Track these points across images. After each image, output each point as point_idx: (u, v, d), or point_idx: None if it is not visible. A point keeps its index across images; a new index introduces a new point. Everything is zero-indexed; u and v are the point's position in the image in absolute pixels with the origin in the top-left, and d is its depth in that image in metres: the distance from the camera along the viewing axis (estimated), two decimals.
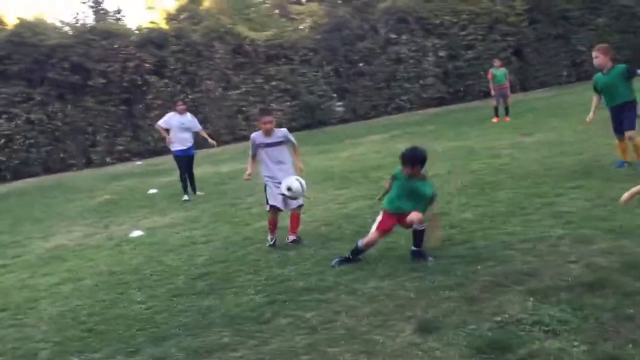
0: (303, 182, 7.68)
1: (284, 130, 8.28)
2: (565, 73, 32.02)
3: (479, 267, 5.66)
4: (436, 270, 5.77)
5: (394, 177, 6.46)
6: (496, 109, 18.55)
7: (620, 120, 9.13)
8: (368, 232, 6.58)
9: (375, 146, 16.51)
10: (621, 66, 9.14)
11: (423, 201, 6.16)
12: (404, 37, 30.50)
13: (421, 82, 30.49)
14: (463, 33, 31.06)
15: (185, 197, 12.69)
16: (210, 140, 13.73)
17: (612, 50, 9.49)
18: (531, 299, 4.75)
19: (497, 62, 19.41)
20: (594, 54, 9.34)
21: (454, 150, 13.70)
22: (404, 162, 6.22)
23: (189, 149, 13.11)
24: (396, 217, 6.31)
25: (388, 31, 30.69)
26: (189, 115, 13.36)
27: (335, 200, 10.06)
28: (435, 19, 30.85)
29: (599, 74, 9.38)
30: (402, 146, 15.06)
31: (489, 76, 19.03)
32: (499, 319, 4.49)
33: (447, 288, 5.28)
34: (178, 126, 13.00)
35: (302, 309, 5.38)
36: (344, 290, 5.66)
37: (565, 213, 7.07)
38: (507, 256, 5.86)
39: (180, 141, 13.02)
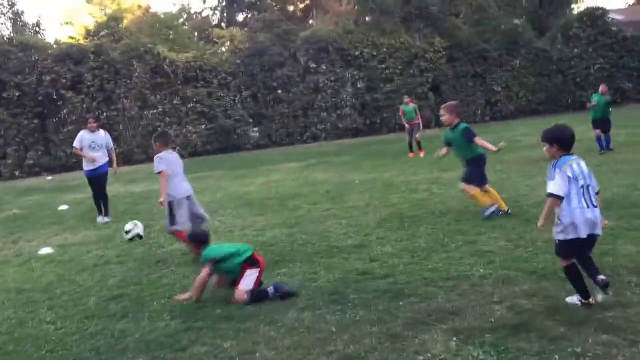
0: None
1: None
2: (479, 111, 32.78)
3: (400, 302, 5.62)
4: (357, 304, 5.73)
5: None
6: (410, 145, 18.83)
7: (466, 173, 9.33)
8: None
9: (291, 174, 16.63)
10: (461, 127, 9.17)
11: None
12: (323, 66, 30.98)
13: (338, 112, 30.95)
14: (382, 66, 31.78)
15: (100, 219, 12.19)
16: (114, 165, 13.02)
17: (458, 108, 9.68)
18: (455, 339, 4.69)
19: (406, 98, 19.63)
20: (441, 111, 9.46)
21: (371, 182, 13.83)
22: None
23: (100, 167, 12.39)
24: None
25: (308, 60, 31.11)
26: (101, 133, 12.73)
27: (252, 227, 10.05)
28: (355, 50, 31.46)
29: (447, 130, 9.48)
30: (319, 175, 15.40)
31: (400, 112, 19.37)
32: (421, 358, 4.46)
33: (368, 323, 5.20)
34: (89, 145, 12.34)
35: (221, 337, 5.32)
36: (263, 320, 5.60)
37: (486, 252, 7.05)
38: (429, 293, 5.82)
39: (90, 160, 12.33)
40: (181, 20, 43.29)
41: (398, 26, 32.66)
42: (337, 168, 16.95)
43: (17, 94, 26.40)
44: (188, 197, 8.47)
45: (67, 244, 10.28)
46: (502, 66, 33.12)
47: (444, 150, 9.58)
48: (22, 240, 11.08)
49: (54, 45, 29.41)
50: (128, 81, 28.19)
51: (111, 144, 12.91)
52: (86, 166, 12.45)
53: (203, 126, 28.98)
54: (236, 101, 29.67)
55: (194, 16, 50.12)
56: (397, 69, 31.99)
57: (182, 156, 10.01)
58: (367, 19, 33.76)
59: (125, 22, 34.91)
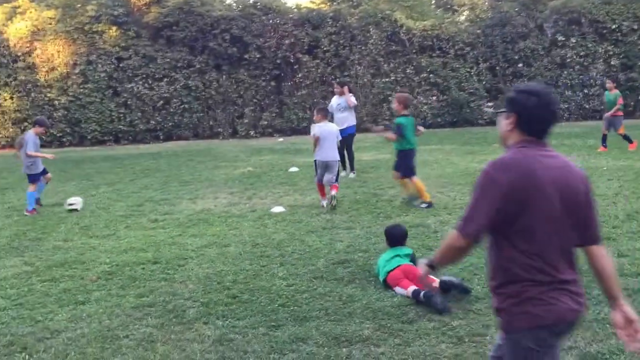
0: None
1: None
2: None
3: None
4: (601, 300, 5.22)
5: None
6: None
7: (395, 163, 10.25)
8: None
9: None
10: (398, 120, 10.07)
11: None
12: (572, 39, 28.81)
13: (585, 91, 28.74)
14: None
15: (343, 174, 12.99)
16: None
17: (408, 100, 10.59)
18: None
19: (608, 84, 16.64)
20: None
21: (621, 169, 12.58)
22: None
23: (347, 128, 13.24)
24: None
25: (555, 32, 29.19)
26: (348, 95, 13.70)
27: None
28: (612, 22, 28.53)
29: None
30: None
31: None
32: None
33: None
34: (337, 108, 13.58)
35: (449, 315, 5.26)
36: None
37: None
38: None
39: (337, 121, 13.09)
40: None
41: None
42: (580, 151, 15.68)
43: (257, 56, 27.80)
44: (327, 163, 10.39)
45: (296, 204, 10.65)
46: None
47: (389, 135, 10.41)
48: (255, 197, 11.63)
49: (295, 10, 30.47)
50: (363, 48, 28.48)
51: (353, 100, 13.82)
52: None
53: (435, 97, 28.61)
54: (472, 73, 28.73)
55: None
56: None
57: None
58: None
59: None
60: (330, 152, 10.52)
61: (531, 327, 2.91)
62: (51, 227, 9.75)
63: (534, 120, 3.05)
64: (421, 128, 10.78)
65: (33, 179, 11.20)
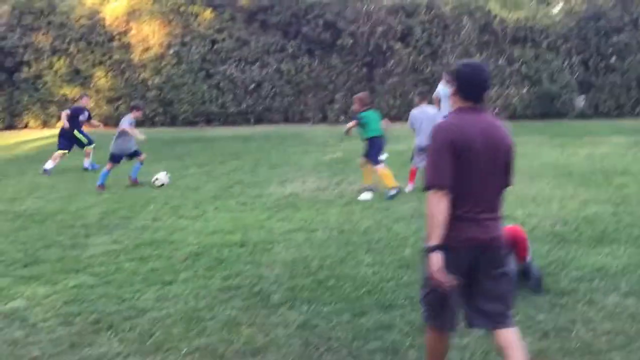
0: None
1: None
2: None
3: None
4: None
5: None
6: None
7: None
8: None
9: (619, 149, 15.27)
10: (359, 115, 10.83)
11: None
12: None
13: None
14: None
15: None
16: None
17: (365, 99, 11.08)
18: None
19: None
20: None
21: None
22: None
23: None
24: None
25: None
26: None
27: (573, 199, 9.48)
28: None
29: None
30: None
31: None
32: None
33: None
34: (443, 95, 13.72)
35: (535, 308, 5.22)
36: (581, 299, 5.38)
37: None
38: None
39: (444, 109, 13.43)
40: None
41: None
42: None
43: (350, 42, 27.79)
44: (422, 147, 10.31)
45: (384, 192, 10.59)
46: None
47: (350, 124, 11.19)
48: (344, 182, 11.71)
49: None
50: (456, 37, 28.07)
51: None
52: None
53: (526, 89, 27.95)
54: (564, 66, 27.95)
55: None
56: None
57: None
58: None
59: None
60: (424, 137, 10.30)
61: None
62: (140, 206, 10.01)
63: (464, 87, 3.79)
64: (387, 122, 11.36)
65: (114, 158, 11.95)
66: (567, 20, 28.43)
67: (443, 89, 13.99)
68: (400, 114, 28.19)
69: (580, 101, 28.04)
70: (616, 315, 5.01)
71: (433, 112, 11.02)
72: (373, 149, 10.64)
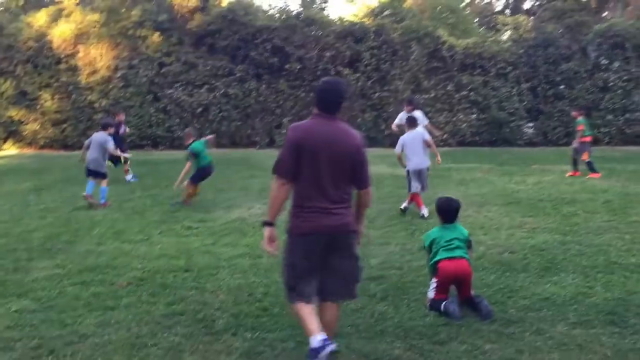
0: None
1: None
2: None
3: None
4: (639, 330, 5.21)
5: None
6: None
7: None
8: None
9: (567, 177, 15.52)
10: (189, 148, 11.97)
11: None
12: (616, 63, 28.40)
13: (627, 115, 28.19)
14: None
15: None
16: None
17: (190, 134, 12.51)
18: None
19: (574, 112, 16.89)
20: None
21: None
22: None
23: None
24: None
25: (599, 55, 28.81)
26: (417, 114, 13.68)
27: (521, 228, 9.51)
28: None
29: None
30: (598, 182, 14.26)
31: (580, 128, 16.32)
32: None
33: None
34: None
35: (481, 338, 5.14)
36: (528, 328, 5.32)
37: None
38: None
39: None
40: (463, 4, 42.74)
41: None
42: (620, 177, 15.43)
43: (298, 67, 27.88)
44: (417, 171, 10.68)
45: None
46: None
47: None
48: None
49: (337, 23, 30.49)
50: (404, 63, 28.39)
51: (424, 120, 14.17)
52: None
53: (474, 116, 28.35)
54: (513, 93, 28.47)
55: (477, 1, 49.37)
56: None
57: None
58: None
59: (407, 3, 35.19)
60: (416, 159, 10.72)
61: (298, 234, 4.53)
62: (85, 230, 9.80)
63: (319, 100, 4.56)
64: (211, 137, 13.09)
65: (104, 175, 12.32)
66: (516, 47, 29.03)
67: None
68: None
69: (529, 128, 28.57)
70: (564, 346, 4.96)
71: (421, 133, 10.96)
72: (201, 173, 12.05)
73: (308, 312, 4.54)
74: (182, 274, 7.14)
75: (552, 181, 14.86)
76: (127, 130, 18.24)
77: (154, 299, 6.28)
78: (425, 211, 10.37)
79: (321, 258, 4.51)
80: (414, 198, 10.81)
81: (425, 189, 10.87)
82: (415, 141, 10.72)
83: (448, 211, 6.19)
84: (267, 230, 4.61)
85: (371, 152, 15.24)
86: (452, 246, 5.92)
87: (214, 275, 7.11)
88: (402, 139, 10.97)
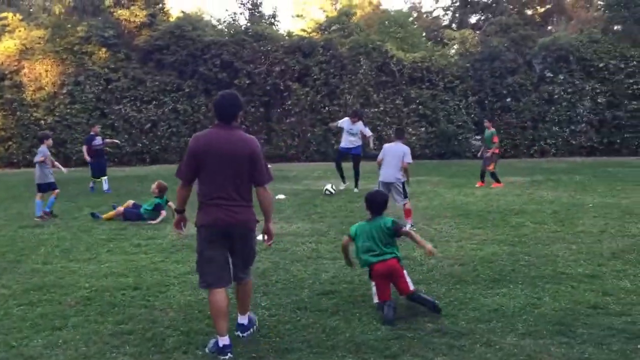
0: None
1: None
2: None
3: (639, 346, 5.11)
4: (587, 339, 5.26)
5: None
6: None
7: None
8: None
9: (515, 188, 15.78)
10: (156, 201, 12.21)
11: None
12: (560, 76, 29.17)
13: (572, 127, 28.99)
14: (629, 81, 29.06)
15: (342, 186, 16.05)
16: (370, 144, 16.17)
17: None
18: None
19: (486, 122, 17.32)
20: None
21: (607, 207, 12.59)
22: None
23: (352, 148, 15.79)
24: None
25: (544, 68, 29.53)
26: (359, 123, 15.76)
27: (470, 240, 9.59)
28: (599, 61, 29.16)
29: None
30: (546, 193, 14.53)
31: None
32: None
33: None
34: (347, 130, 15.81)
35: (432, 351, 5.13)
36: (479, 339, 5.33)
37: None
38: None
39: (345, 142, 15.89)
40: (411, 19, 43.28)
41: None
42: (566, 187, 15.79)
43: (247, 82, 27.85)
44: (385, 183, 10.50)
45: (282, 233, 10.44)
46: None
47: None
48: None
49: (286, 37, 30.59)
50: (353, 77, 28.63)
51: (367, 132, 15.96)
52: (343, 144, 16.03)
53: (423, 129, 28.71)
54: (461, 106, 28.95)
55: (425, 16, 50.02)
56: None
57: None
58: (616, 28, 31.10)
59: (355, 17, 35.47)
60: (386, 171, 10.56)
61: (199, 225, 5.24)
62: (30, 249, 9.55)
63: (216, 111, 5.25)
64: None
65: (41, 188, 12.49)
66: (463, 61, 29.50)
67: (350, 126, 15.74)
68: (298, 154, 28.42)
69: (476, 141, 29.00)
70: (513, 357, 4.97)
71: (397, 150, 10.64)
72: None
73: (217, 310, 5.21)
74: (131, 292, 7.00)
75: (501, 192, 15.10)
76: (109, 140, 19.60)
77: (102, 318, 6.14)
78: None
79: (224, 248, 5.23)
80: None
81: (395, 202, 10.46)
82: (394, 154, 10.51)
83: (373, 202, 6.57)
84: (177, 216, 5.53)
85: (321, 167, 15.56)
86: (378, 252, 6.25)
87: (164, 292, 6.99)
88: (384, 147, 10.88)
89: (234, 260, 5.34)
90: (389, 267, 6.16)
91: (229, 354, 5.06)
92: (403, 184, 10.53)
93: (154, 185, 12.42)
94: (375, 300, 6.16)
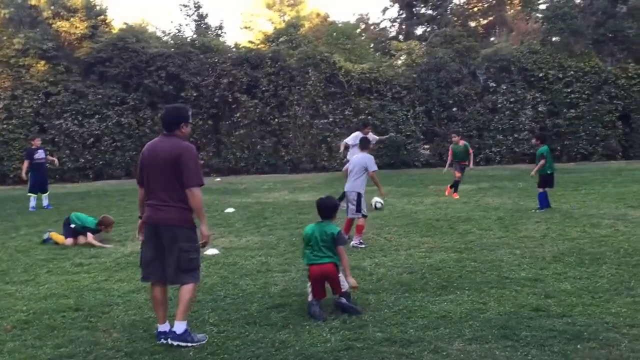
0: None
1: None
2: None
3: (578, 346, 5.21)
4: (530, 342, 5.32)
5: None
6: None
7: None
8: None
9: (462, 196, 16.00)
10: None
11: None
12: (503, 86, 29.82)
13: (515, 135, 29.60)
14: (567, 90, 29.92)
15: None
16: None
17: None
18: None
19: (455, 138, 17.37)
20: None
21: (548, 212, 12.99)
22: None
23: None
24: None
25: (487, 78, 30.12)
26: (371, 135, 14.92)
27: (419, 248, 9.65)
28: (539, 71, 29.95)
29: None
30: (491, 200, 14.72)
31: (450, 153, 17.20)
32: None
33: None
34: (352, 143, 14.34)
35: None
36: (427, 347, 5.31)
37: None
38: (611, 340, 5.33)
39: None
40: (358, 30, 43.55)
41: (589, 49, 30.71)
42: (511, 194, 16.11)
43: (194, 94, 27.59)
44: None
45: (232, 247, 10.35)
46: None
47: None
48: None
49: (234, 49, 30.44)
50: (302, 89, 28.63)
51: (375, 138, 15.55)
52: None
53: None
54: (409, 116, 29.22)
55: (372, 27, 50.40)
56: (583, 94, 29.81)
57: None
58: (554, 39, 31.94)
59: (303, 29, 35.53)
60: (348, 181, 10.61)
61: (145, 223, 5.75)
62: None
63: (162, 121, 5.83)
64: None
65: None
66: (410, 72, 29.80)
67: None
68: (248, 166, 28.26)
69: (425, 150, 29.34)
70: None
71: (360, 160, 10.59)
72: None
73: (153, 301, 5.86)
74: (72, 314, 6.74)
75: (449, 201, 15.26)
76: (50, 157, 18.37)
77: (41, 342, 5.89)
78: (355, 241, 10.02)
79: (157, 246, 5.66)
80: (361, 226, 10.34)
81: (347, 213, 10.40)
82: (355, 164, 10.54)
83: (321, 208, 6.85)
84: (139, 222, 5.92)
85: (272, 178, 15.50)
86: (320, 254, 6.53)
87: (107, 312, 6.76)
88: (352, 158, 11.11)
89: (167, 261, 5.64)
90: (324, 271, 6.48)
91: (162, 339, 5.64)
92: (359, 196, 10.28)
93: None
94: (310, 298, 6.49)
